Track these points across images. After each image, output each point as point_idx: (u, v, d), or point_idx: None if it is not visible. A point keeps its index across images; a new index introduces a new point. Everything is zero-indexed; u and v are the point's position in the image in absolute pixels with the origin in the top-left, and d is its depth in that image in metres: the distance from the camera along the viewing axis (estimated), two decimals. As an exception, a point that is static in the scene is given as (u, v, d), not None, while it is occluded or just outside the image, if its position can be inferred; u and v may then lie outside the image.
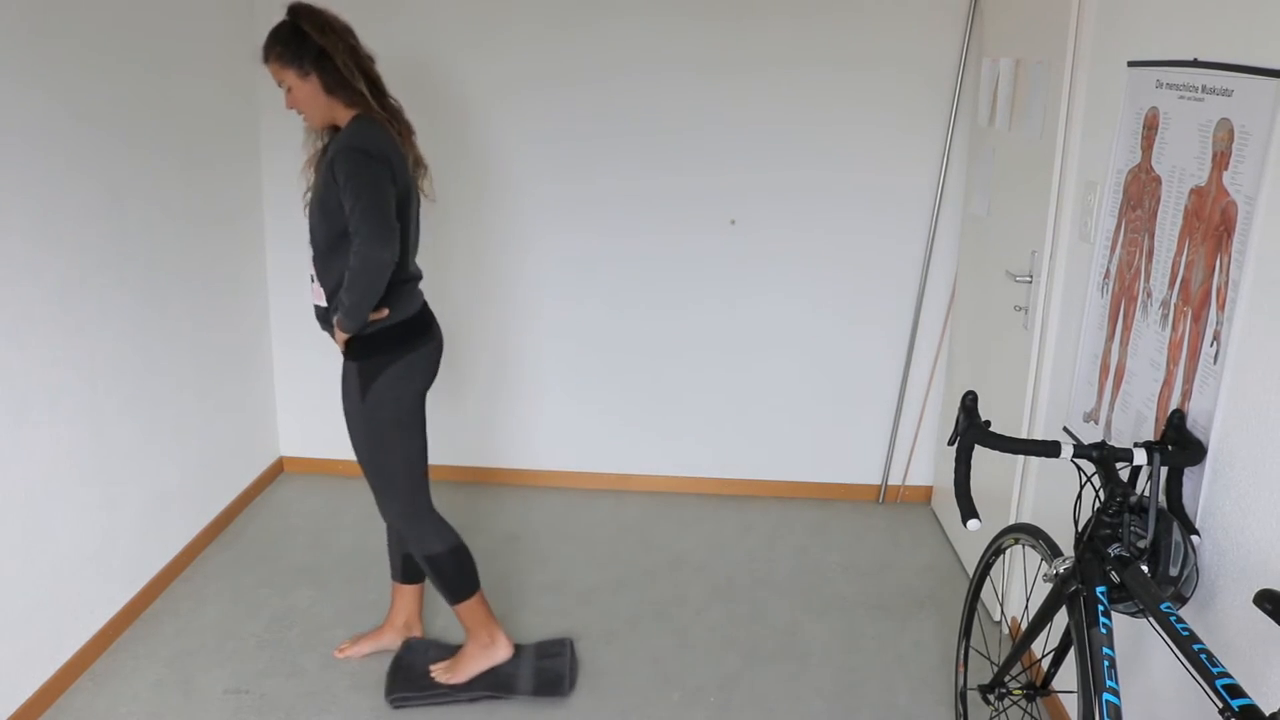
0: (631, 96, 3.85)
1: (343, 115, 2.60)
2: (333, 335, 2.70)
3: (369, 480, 2.79)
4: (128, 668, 3.01)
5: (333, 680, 2.98)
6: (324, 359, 4.16)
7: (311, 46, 2.53)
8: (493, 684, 2.90)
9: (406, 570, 3.03)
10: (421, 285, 2.78)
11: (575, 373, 4.16)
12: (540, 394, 4.20)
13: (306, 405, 4.25)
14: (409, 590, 3.06)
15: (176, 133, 3.39)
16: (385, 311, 2.63)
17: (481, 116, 3.90)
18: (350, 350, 2.66)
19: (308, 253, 2.70)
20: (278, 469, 4.31)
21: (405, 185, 2.60)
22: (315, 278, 2.69)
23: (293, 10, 2.58)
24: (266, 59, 2.57)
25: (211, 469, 3.75)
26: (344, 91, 2.57)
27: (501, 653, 2.93)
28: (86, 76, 2.91)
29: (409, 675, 2.92)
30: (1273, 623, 1.80)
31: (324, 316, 2.71)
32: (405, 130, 2.66)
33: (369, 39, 2.67)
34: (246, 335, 3.98)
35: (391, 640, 3.08)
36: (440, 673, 2.91)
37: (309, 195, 2.67)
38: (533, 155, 3.93)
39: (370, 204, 2.48)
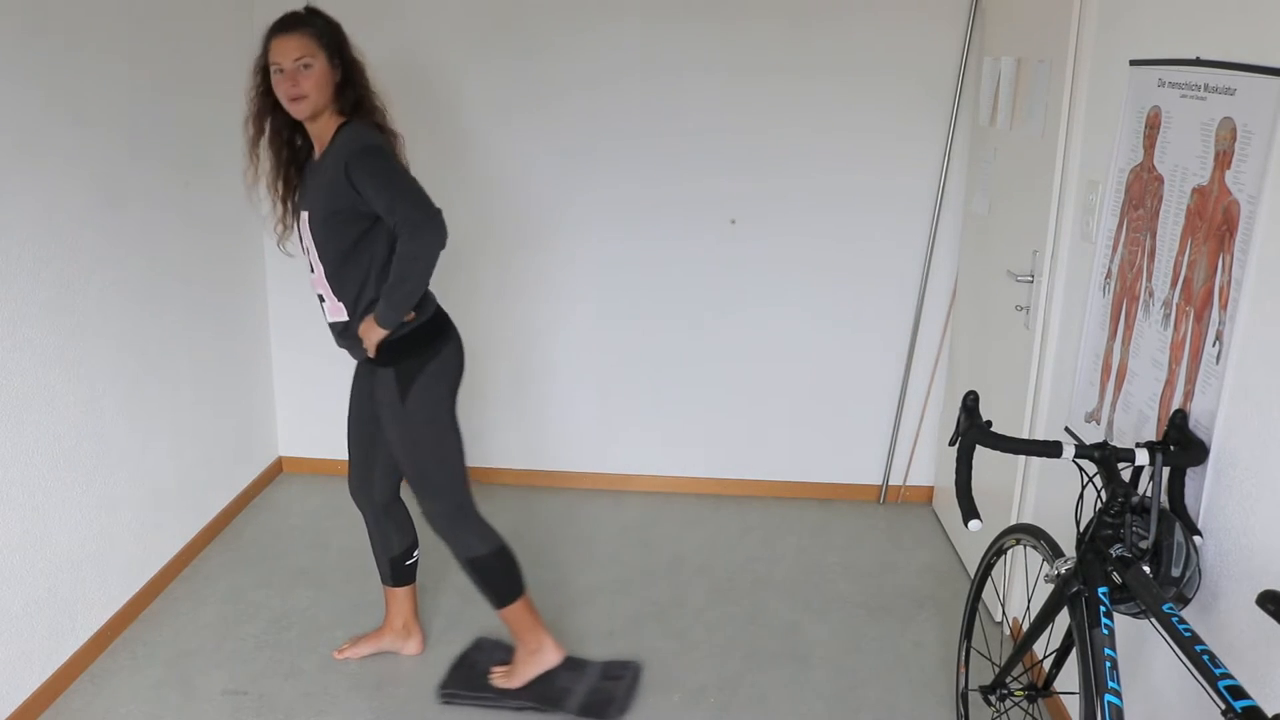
0: (630, 100, 3.84)
1: (328, 121, 2.58)
2: (353, 349, 2.71)
3: (412, 484, 2.78)
4: (126, 668, 3.00)
5: (331, 681, 2.97)
6: (323, 359, 4.15)
7: (349, 50, 2.58)
8: (542, 696, 2.86)
9: (396, 574, 3.02)
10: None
11: (575, 373, 4.16)
12: (540, 394, 4.19)
13: (305, 405, 4.25)
14: (401, 593, 3.05)
15: (174, 133, 3.39)
16: (413, 314, 2.64)
17: (484, 118, 3.90)
18: (383, 356, 2.65)
19: (304, 276, 2.68)
20: (276, 469, 4.31)
21: None
22: (328, 295, 2.66)
23: (334, 22, 2.59)
24: (294, 29, 2.50)
25: (210, 469, 3.74)
26: (353, 96, 2.57)
27: (550, 657, 2.89)
28: (85, 77, 2.90)
29: (469, 674, 2.93)
30: (1275, 624, 1.79)
31: (343, 331, 2.70)
32: (394, 137, 2.68)
33: (368, 41, 2.68)
34: (245, 335, 3.97)
35: (391, 643, 3.08)
36: (499, 677, 2.90)
37: (306, 217, 2.62)
38: (532, 158, 3.92)
39: (411, 189, 2.49)
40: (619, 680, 2.97)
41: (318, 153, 2.64)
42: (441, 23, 3.81)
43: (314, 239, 2.61)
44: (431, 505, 2.78)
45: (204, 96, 3.56)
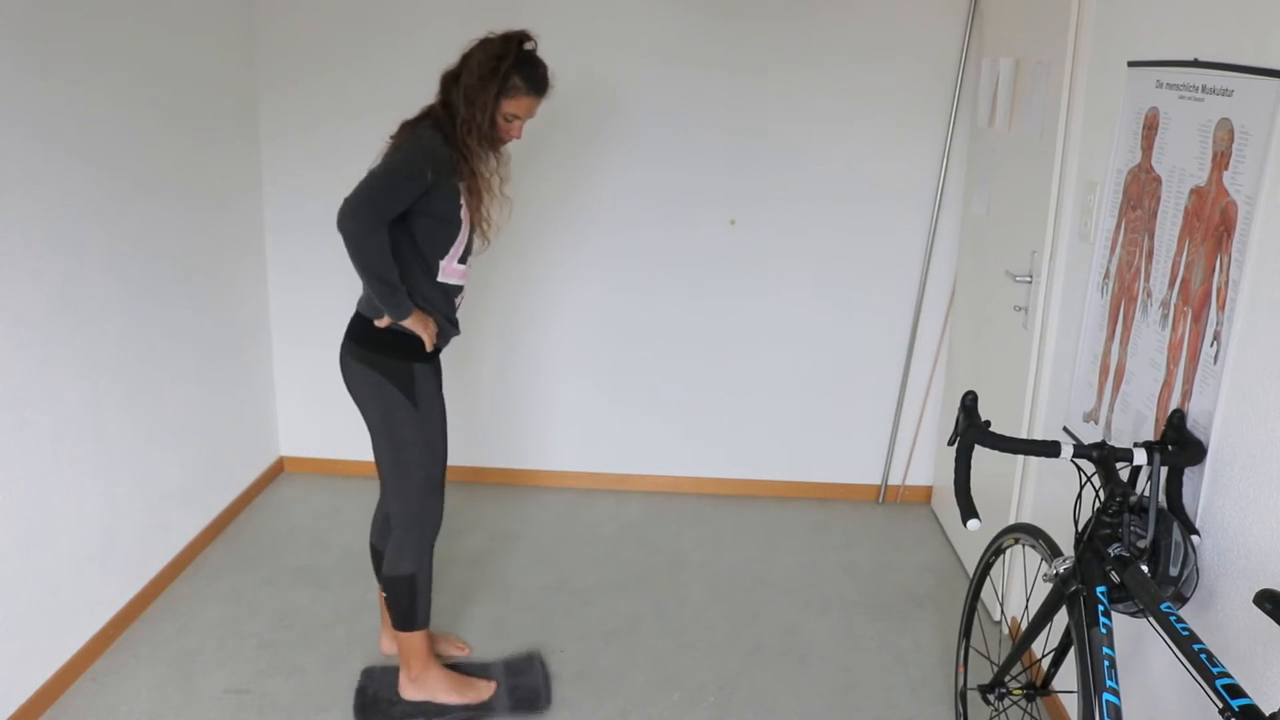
0: (632, 92, 3.85)
1: None
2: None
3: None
4: (128, 667, 3.01)
5: (333, 680, 2.98)
6: (325, 357, 4.16)
7: None
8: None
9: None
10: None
11: (575, 373, 4.16)
12: (540, 394, 4.20)
13: (307, 405, 4.25)
14: None
15: (176, 131, 3.39)
16: None
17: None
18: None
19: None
20: (278, 469, 4.32)
21: None
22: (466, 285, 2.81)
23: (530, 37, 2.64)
24: (547, 93, 2.65)
25: (212, 468, 3.75)
26: None
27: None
28: (86, 73, 2.91)
29: (379, 706, 2.85)
30: (1273, 622, 1.80)
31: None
32: None
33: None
34: (247, 334, 3.98)
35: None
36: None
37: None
38: (532, 149, 3.93)
39: None
40: (529, 673, 3.01)
41: None
42: (438, 11, 3.82)
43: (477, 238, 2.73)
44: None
45: (205, 92, 3.56)
